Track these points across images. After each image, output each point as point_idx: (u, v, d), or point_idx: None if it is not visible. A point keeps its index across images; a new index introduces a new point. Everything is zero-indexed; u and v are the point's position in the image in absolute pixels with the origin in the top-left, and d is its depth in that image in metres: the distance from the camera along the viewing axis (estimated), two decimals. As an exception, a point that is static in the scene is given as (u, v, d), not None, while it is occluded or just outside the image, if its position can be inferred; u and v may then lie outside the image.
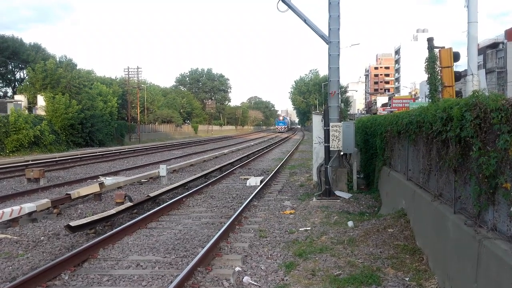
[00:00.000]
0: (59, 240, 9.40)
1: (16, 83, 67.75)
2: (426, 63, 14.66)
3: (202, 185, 16.27)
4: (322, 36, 14.60)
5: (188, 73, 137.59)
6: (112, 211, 10.77)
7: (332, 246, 8.43)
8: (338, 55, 14.48)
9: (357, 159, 16.14)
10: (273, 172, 20.02)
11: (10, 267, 7.65)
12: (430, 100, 14.56)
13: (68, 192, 13.43)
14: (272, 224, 10.57)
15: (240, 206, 11.91)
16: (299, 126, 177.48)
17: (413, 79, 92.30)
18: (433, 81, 14.26)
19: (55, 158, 30.24)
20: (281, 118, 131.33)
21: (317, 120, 15.98)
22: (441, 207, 6.61)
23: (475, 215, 5.33)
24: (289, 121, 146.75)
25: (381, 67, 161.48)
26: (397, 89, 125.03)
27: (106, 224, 10.52)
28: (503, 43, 51.98)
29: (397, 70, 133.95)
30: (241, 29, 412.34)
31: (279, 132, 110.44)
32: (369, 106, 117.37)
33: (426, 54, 15.43)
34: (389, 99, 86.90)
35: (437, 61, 13.98)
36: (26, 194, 15.26)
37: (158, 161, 27.70)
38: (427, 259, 7.04)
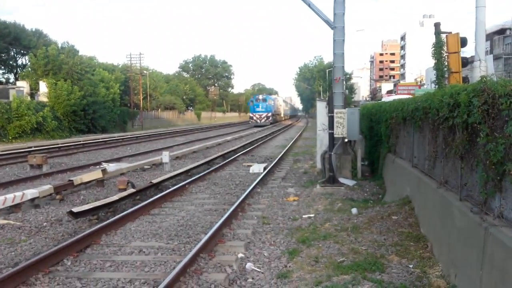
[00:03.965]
0: (61, 226, 9.39)
1: (18, 69, 67.59)
2: (433, 49, 14.46)
3: (205, 172, 16.22)
4: (327, 21, 14.41)
5: (191, 60, 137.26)
6: (115, 198, 10.74)
7: (335, 233, 8.38)
8: (343, 40, 14.30)
9: (361, 146, 16.06)
10: (276, 159, 19.96)
11: (13, 253, 7.66)
12: (436, 86, 14.41)
13: (70, 179, 13.41)
14: (276, 211, 10.53)
15: (243, 193, 11.86)
16: (303, 113, 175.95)
17: (418, 66, 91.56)
18: (440, 67, 14.08)
19: (58, 144, 30.28)
20: (260, 97, 72.22)
21: (321, 107, 15.86)
22: (447, 194, 6.54)
23: (481, 202, 5.25)
24: (280, 105, 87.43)
25: (386, 54, 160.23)
26: (403, 76, 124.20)
27: (108, 210, 10.50)
28: (510, 29, 51.36)
29: (403, 57, 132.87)
30: (245, 15, 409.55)
31: (255, 126, 64.38)
32: (374, 93, 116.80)
33: (432, 40, 15.21)
34: (394, 85, 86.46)
35: (444, 46, 13.79)
36: (29, 180, 15.26)
37: (161, 148, 27.67)
38: (431, 247, 6.99)
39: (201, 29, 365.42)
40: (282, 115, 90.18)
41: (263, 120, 68.24)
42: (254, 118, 69.25)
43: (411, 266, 6.51)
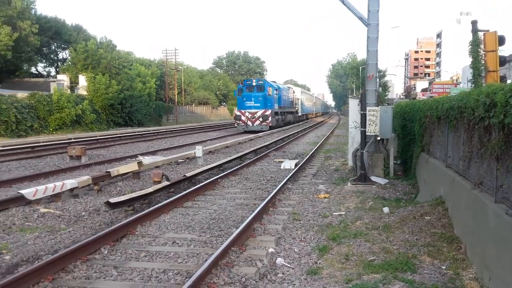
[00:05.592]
0: (99, 216, 9.72)
1: (59, 63, 69.62)
2: (470, 47, 14.10)
3: (237, 167, 16.40)
4: (360, 18, 14.29)
5: (225, 56, 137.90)
6: (150, 189, 11.02)
7: (366, 231, 8.36)
8: (377, 37, 14.15)
9: (394, 145, 15.87)
10: (307, 156, 19.93)
11: (53, 240, 7.98)
12: (472, 85, 14.08)
13: (108, 170, 13.82)
14: (306, 207, 10.56)
15: (274, 189, 11.94)
16: (335, 110, 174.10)
17: (455, 64, 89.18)
18: (477, 66, 13.73)
19: (96, 136, 31.19)
20: (253, 83, 41.22)
21: (353, 104, 15.76)
22: (482, 195, 6.44)
23: (517, 205, 5.17)
24: (297, 98, 60.37)
25: (421, 51, 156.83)
26: (438, 74, 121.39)
27: (144, 201, 10.80)
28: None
29: (438, 54, 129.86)
30: (279, 11, 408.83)
31: (245, 131, 39.37)
32: (408, 91, 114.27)
33: (469, 38, 14.84)
34: (429, 84, 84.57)
35: (481, 44, 13.44)
36: (68, 171, 15.82)
37: (194, 142, 28.07)
38: (465, 248, 6.89)
39: (235, 25, 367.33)
40: (299, 113, 62.29)
41: (256, 122, 40.34)
42: (243, 117, 40.69)
43: (443, 267, 6.44)
